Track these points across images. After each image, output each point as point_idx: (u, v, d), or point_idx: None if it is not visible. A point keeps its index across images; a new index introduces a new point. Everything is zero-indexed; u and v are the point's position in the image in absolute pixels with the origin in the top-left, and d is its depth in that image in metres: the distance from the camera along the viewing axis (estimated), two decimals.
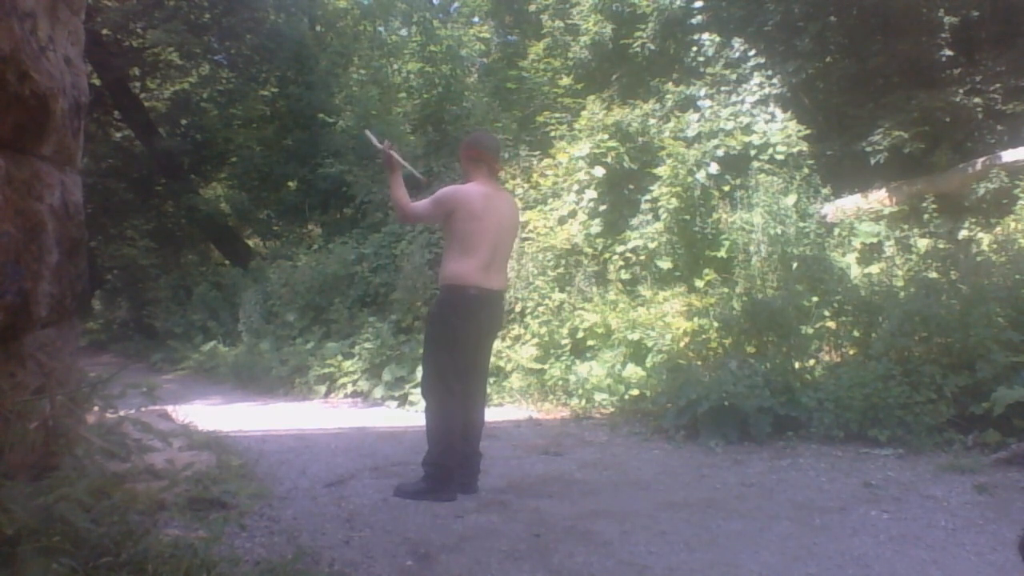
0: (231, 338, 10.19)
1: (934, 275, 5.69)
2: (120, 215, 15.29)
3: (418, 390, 5.78)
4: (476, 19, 14.64)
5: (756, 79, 8.77)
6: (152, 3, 13.06)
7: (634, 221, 7.71)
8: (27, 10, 2.65)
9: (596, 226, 7.70)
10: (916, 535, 3.10)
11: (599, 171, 7.79)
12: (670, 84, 9.31)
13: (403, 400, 6.94)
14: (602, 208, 7.80)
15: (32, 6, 2.69)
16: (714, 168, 7.64)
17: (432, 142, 10.30)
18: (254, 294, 10.02)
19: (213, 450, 4.20)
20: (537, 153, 9.27)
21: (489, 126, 9.75)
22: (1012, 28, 8.29)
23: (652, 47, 9.87)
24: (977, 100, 8.00)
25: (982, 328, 4.67)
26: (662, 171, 7.43)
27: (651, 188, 7.62)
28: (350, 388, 7.51)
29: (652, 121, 8.42)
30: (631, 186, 7.96)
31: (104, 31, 13.09)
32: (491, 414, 5.81)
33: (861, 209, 7.57)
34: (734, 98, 8.75)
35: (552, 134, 9.32)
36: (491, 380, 6.75)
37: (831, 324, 5.79)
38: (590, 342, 6.71)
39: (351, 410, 6.98)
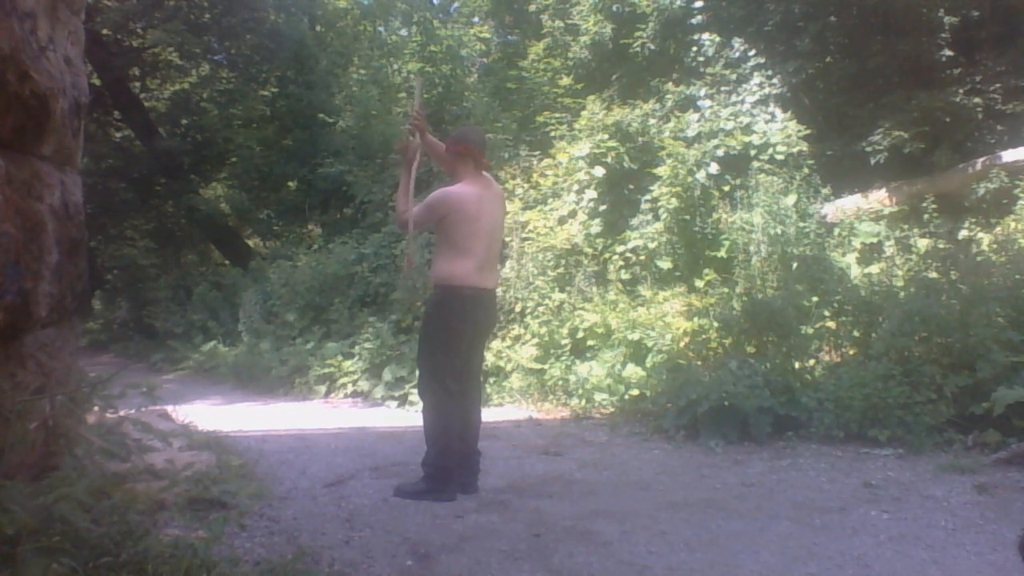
0: (231, 338, 10.18)
1: (934, 275, 5.69)
2: (120, 215, 15.26)
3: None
4: (476, 19, 14.64)
5: (756, 79, 8.77)
6: (152, 3, 13.06)
7: (634, 221, 7.71)
8: (27, 10, 2.65)
9: (596, 226, 7.69)
10: (916, 535, 3.10)
11: (599, 171, 7.78)
12: (670, 84, 9.31)
13: (403, 400, 6.94)
14: (602, 208, 7.79)
15: (32, 6, 2.69)
16: (714, 168, 7.64)
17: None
18: (254, 294, 10.02)
19: (213, 450, 4.20)
20: (537, 153, 9.26)
21: (489, 126, 9.74)
22: (1012, 28, 8.29)
23: (652, 47, 9.87)
24: (977, 100, 8.00)
25: (982, 328, 4.67)
26: (662, 171, 7.43)
27: (651, 188, 7.62)
28: (350, 388, 7.51)
29: (652, 121, 8.42)
30: (631, 186, 7.96)
31: (104, 31, 13.08)
32: (491, 414, 5.83)
33: (861, 209, 7.57)
34: (734, 98, 8.75)
35: (552, 134, 9.31)
36: (491, 380, 6.77)
37: (831, 324, 5.79)
38: (590, 342, 6.71)
39: (351, 410, 6.98)
